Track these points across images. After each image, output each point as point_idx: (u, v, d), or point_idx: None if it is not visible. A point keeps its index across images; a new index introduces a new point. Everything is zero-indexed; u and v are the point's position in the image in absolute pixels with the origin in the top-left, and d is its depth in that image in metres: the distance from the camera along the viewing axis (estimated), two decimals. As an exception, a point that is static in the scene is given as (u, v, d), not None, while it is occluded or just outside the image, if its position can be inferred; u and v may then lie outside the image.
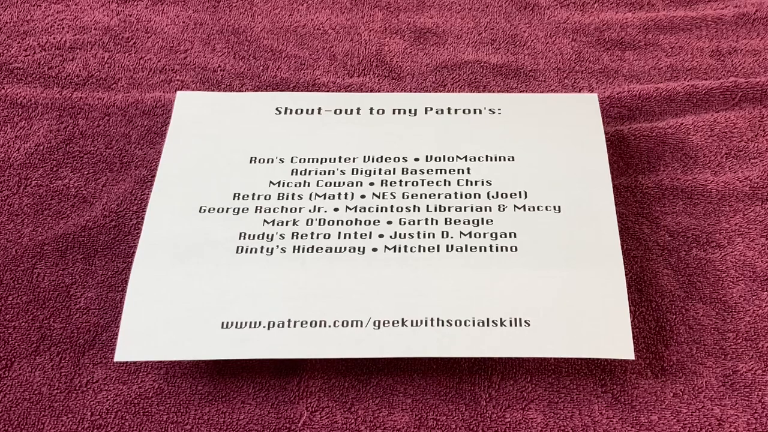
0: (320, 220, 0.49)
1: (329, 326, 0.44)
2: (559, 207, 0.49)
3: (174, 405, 0.45)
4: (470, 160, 0.52)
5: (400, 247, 0.47)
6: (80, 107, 0.60)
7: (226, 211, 0.49)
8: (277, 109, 0.55)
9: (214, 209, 0.49)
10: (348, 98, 0.56)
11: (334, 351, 0.44)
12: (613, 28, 0.66)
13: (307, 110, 0.55)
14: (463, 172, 0.51)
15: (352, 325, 0.44)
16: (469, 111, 0.55)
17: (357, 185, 0.51)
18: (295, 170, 0.51)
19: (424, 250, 0.47)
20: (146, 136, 0.58)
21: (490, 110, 0.55)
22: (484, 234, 0.48)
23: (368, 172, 0.51)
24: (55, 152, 0.57)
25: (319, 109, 0.55)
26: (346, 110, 0.55)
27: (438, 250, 0.47)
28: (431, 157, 0.52)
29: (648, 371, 0.46)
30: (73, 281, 0.50)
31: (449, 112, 0.55)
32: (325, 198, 0.50)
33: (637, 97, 0.59)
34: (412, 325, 0.44)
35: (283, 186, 0.51)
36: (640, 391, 0.45)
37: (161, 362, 0.47)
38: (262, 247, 0.48)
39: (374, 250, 0.47)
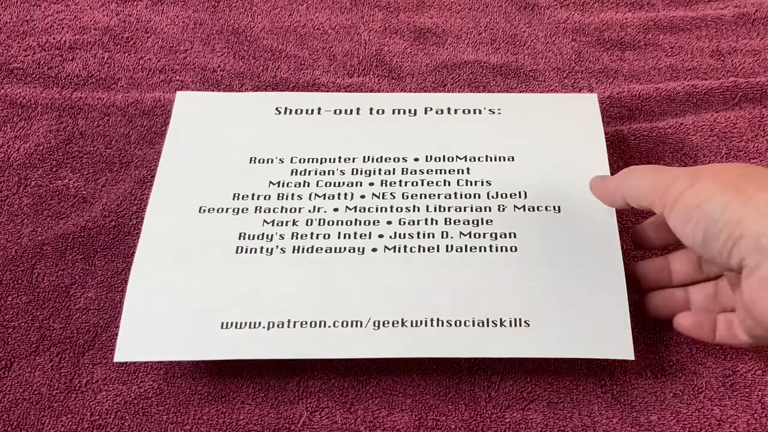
0: (320, 220, 0.49)
1: (329, 326, 0.44)
2: (559, 207, 0.49)
3: (174, 405, 0.45)
4: (470, 160, 0.52)
5: (399, 247, 0.47)
6: (80, 107, 0.60)
7: (226, 211, 0.49)
8: (276, 109, 0.55)
9: (214, 209, 0.49)
10: (348, 98, 0.56)
11: (334, 351, 0.44)
12: (613, 28, 0.66)
13: (307, 110, 0.55)
14: (462, 172, 0.51)
15: (352, 326, 0.44)
16: (469, 111, 0.55)
17: (357, 185, 0.51)
18: (294, 170, 0.51)
19: (423, 251, 0.47)
20: (146, 136, 0.58)
21: (490, 110, 0.55)
22: (484, 234, 0.48)
23: (368, 172, 0.51)
24: (54, 152, 0.57)
25: (319, 109, 0.55)
26: (345, 110, 0.55)
27: (438, 251, 0.47)
28: (431, 157, 0.52)
29: (648, 371, 0.46)
30: (73, 281, 0.50)
31: (449, 112, 0.55)
32: (324, 198, 0.50)
33: (637, 97, 0.59)
34: (411, 326, 0.44)
35: (283, 186, 0.51)
36: (639, 391, 0.45)
37: (161, 362, 0.47)
38: (261, 247, 0.48)
39: (374, 250, 0.47)
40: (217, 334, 0.44)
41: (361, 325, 0.44)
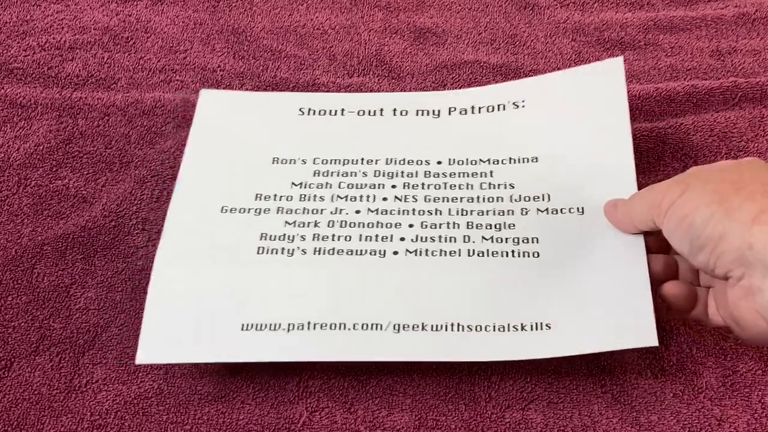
0: (341, 222, 0.48)
1: (349, 329, 0.44)
2: (582, 209, 0.48)
3: (174, 405, 0.45)
4: (493, 163, 0.51)
5: (420, 251, 0.47)
6: (80, 107, 0.60)
7: (248, 212, 0.49)
8: (300, 109, 0.55)
9: (236, 209, 0.49)
10: (371, 99, 0.55)
11: (353, 354, 0.43)
12: (613, 28, 0.66)
13: (330, 111, 0.55)
14: (485, 176, 0.50)
15: (371, 329, 0.44)
16: (493, 108, 0.54)
17: (379, 188, 0.50)
18: (317, 171, 0.51)
19: (445, 255, 0.46)
20: (146, 136, 0.58)
21: (514, 104, 0.53)
22: (506, 239, 0.47)
23: (390, 175, 0.51)
24: (54, 152, 0.57)
25: (342, 110, 0.55)
26: (369, 111, 0.55)
27: (459, 255, 0.46)
28: (454, 160, 0.51)
29: (648, 371, 0.46)
30: (73, 281, 0.50)
31: (473, 112, 0.54)
32: (346, 200, 0.49)
33: (637, 97, 0.59)
34: (431, 330, 0.44)
35: (305, 187, 0.50)
36: (639, 391, 0.45)
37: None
38: (283, 248, 0.47)
39: (395, 253, 0.47)
40: (237, 336, 0.44)
41: (380, 328, 0.44)
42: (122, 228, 0.53)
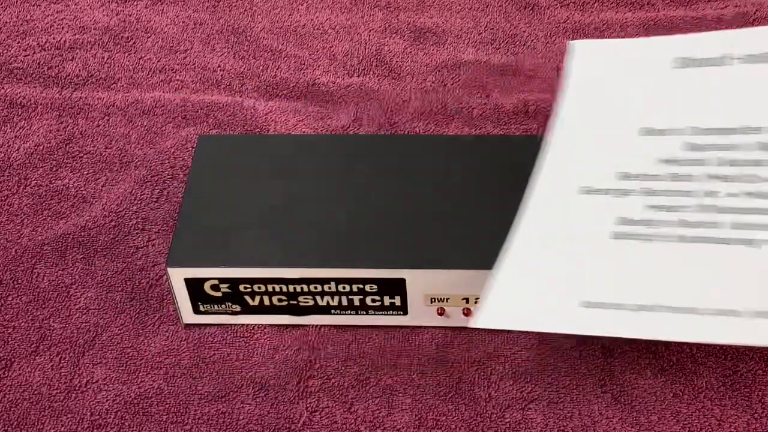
0: (712, 206, 0.42)
1: (701, 314, 0.39)
2: None
3: (174, 405, 0.45)
4: None
5: None
6: (80, 107, 0.60)
7: (609, 193, 0.45)
8: (674, 60, 0.47)
9: (596, 190, 0.45)
10: (760, 34, 0.46)
11: (703, 336, 0.39)
12: (613, 28, 0.66)
13: (711, 60, 0.46)
14: None
15: (725, 314, 0.39)
16: None
17: (761, 165, 0.43)
18: (690, 144, 0.44)
19: None
20: (146, 136, 0.58)
21: None
22: None
23: None
24: (55, 152, 0.57)
25: (726, 56, 0.46)
26: (759, 56, 0.45)
27: None
28: None
29: (648, 371, 0.46)
30: (73, 281, 0.50)
31: None
32: (721, 180, 0.43)
33: (637, 97, 0.59)
34: None
35: (675, 164, 0.44)
36: (640, 391, 0.45)
37: (161, 362, 0.47)
38: (641, 234, 0.43)
39: None
40: (577, 311, 0.41)
41: (736, 314, 0.39)
42: (122, 228, 0.53)
